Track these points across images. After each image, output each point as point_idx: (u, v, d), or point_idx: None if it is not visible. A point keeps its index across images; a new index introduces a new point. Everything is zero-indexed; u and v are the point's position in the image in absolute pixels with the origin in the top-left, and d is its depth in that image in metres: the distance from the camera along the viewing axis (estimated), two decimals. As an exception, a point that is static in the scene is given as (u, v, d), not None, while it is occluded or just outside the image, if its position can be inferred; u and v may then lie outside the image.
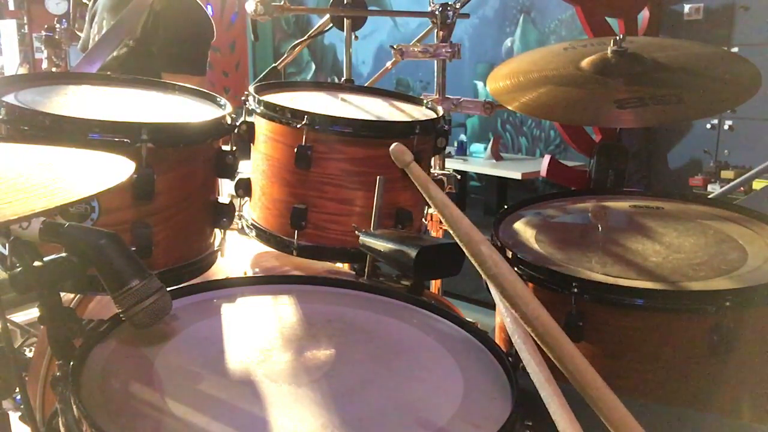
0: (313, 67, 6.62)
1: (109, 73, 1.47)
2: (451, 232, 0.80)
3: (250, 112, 1.41)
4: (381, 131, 1.37)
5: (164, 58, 2.34)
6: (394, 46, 1.98)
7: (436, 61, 1.97)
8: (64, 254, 0.86)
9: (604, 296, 1.17)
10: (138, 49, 2.34)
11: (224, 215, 1.29)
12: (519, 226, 1.47)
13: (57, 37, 2.77)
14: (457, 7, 1.93)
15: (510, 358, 0.90)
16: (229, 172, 1.30)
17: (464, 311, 1.43)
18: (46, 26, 2.79)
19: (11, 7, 6.58)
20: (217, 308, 1.04)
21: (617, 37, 1.67)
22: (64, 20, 2.92)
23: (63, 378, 0.80)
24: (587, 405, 0.98)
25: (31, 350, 1.40)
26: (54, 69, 2.81)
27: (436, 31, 1.95)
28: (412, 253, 1.12)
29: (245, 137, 1.42)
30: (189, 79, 2.29)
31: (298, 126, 1.30)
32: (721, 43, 3.90)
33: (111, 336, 0.91)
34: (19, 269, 0.81)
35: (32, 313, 2.01)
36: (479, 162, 4.85)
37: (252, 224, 1.46)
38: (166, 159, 1.14)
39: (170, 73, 2.29)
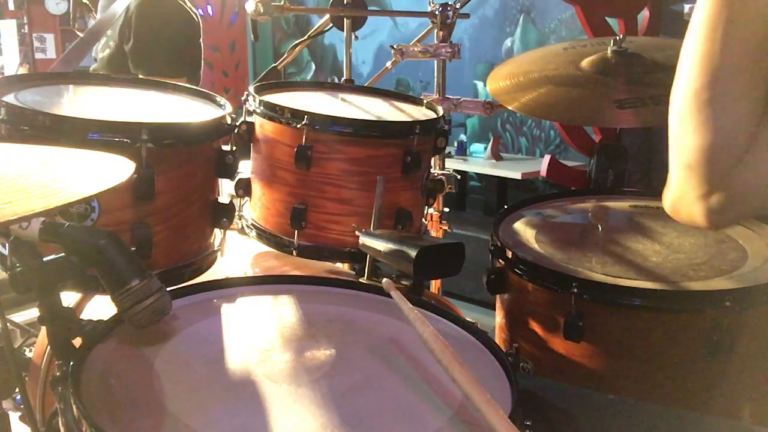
0: (313, 67, 6.62)
1: (109, 73, 1.47)
2: None
3: (250, 112, 1.41)
4: (381, 131, 1.37)
5: (138, 60, 2.34)
6: (394, 46, 1.98)
7: (436, 61, 1.97)
8: (64, 254, 0.85)
9: (604, 296, 1.17)
10: (119, 51, 2.35)
11: (224, 215, 1.29)
12: (519, 226, 1.47)
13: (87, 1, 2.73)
14: (457, 7, 1.93)
15: (510, 358, 0.90)
16: (229, 172, 1.29)
17: (464, 311, 1.43)
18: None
19: (11, 7, 6.58)
20: (217, 308, 1.04)
21: (617, 37, 1.67)
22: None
23: (63, 378, 0.80)
24: (587, 407, 0.98)
25: (31, 350, 1.40)
26: (75, 24, 2.77)
27: (436, 31, 1.95)
28: (412, 253, 1.12)
29: (245, 137, 1.41)
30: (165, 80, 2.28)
31: (298, 126, 1.30)
32: (721, 43, 3.88)
33: (111, 336, 0.91)
34: (19, 269, 0.81)
35: (32, 313, 2.01)
36: (479, 162, 4.84)
37: (252, 224, 1.46)
38: (166, 159, 1.14)
39: (145, 76, 2.29)
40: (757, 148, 0.72)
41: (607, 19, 3.52)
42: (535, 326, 1.27)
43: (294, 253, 1.38)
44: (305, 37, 2.17)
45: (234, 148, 1.29)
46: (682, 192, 0.76)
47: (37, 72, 5.50)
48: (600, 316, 1.18)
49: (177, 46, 2.43)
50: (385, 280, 0.93)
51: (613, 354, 1.19)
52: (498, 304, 1.42)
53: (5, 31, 6.62)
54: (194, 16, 2.49)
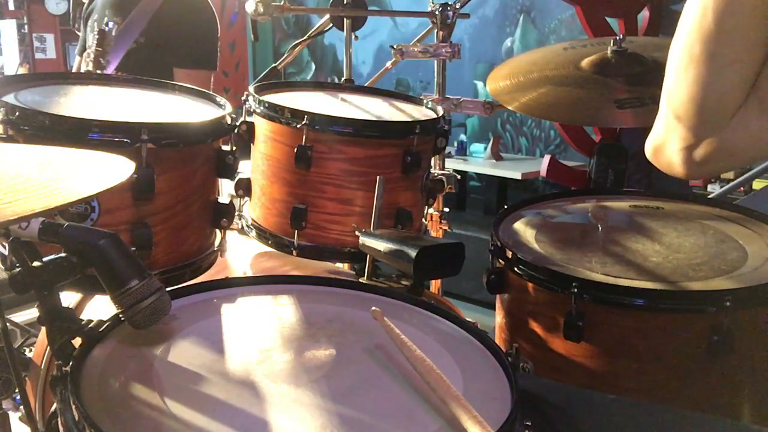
0: (313, 67, 6.62)
1: (115, 73, 1.47)
2: None
3: (250, 112, 1.41)
4: (381, 131, 1.37)
5: (176, 55, 2.33)
6: (394, 46, 1.98)
7: (436, 61, 1.97)
8: (63, 254, 0.85)
9: (604, 296, 1.17)
10: (148, 46, 2.33)
11: (224, 215, 1.29)
12: (519, 226, 1.47)
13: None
14: (457, 7, 1.93)
15: (510, 358, 0.90)
16: (229, 172, 1.30)
17: (464, 311, 1.43)
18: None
19: (11, 7, 6.57)
20: (217, 308, 1.04)
21: (617, 37, 1.67)
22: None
23: (63, 378, 0.79)
24: (587, 407, 0.98)
25: (31, 350, 1.40)
26: (75, 24, 2.74)
27: (436, 31, 1.95)
28: (412, 253, 1.12)
29: (245, 137, 1.42)
30: (203, 74, 2.29)
31: (298, 126, 1.30)
32: (721, 43, 3.88)
33: (111, 336, 0.91)
34: (18, 269, 0.81)
35: (32, 313, 2.01)
36: (479, 162, 4.85)
37: (252, 224, 1.46)
38: (166, 159, 1.14)
39: (184, 69, 2.28)
40: (746, 110, 0.74)
41: (607, 19, 3.52)
42: (535, 326, 1.27)
43: (294, 253, 1.38)
44: (305, 37, 2.17)
45: (234, 148, 1.29)
46: (666, 140, 0.78)
47: (37, 72, 5.49)
48: (600, 316, 1.17)
49: (212, 39, 2.43)
50: (373, 308, 0.93)
51: (613, 354, 1.19)
52: (498, 304, 1.42)
53: (5, 31, 6.61)
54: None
